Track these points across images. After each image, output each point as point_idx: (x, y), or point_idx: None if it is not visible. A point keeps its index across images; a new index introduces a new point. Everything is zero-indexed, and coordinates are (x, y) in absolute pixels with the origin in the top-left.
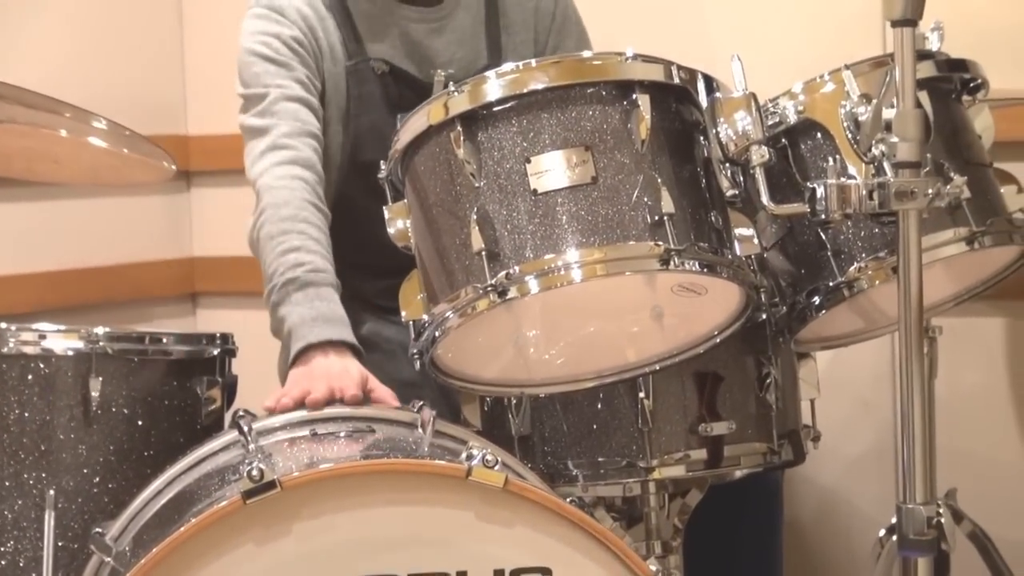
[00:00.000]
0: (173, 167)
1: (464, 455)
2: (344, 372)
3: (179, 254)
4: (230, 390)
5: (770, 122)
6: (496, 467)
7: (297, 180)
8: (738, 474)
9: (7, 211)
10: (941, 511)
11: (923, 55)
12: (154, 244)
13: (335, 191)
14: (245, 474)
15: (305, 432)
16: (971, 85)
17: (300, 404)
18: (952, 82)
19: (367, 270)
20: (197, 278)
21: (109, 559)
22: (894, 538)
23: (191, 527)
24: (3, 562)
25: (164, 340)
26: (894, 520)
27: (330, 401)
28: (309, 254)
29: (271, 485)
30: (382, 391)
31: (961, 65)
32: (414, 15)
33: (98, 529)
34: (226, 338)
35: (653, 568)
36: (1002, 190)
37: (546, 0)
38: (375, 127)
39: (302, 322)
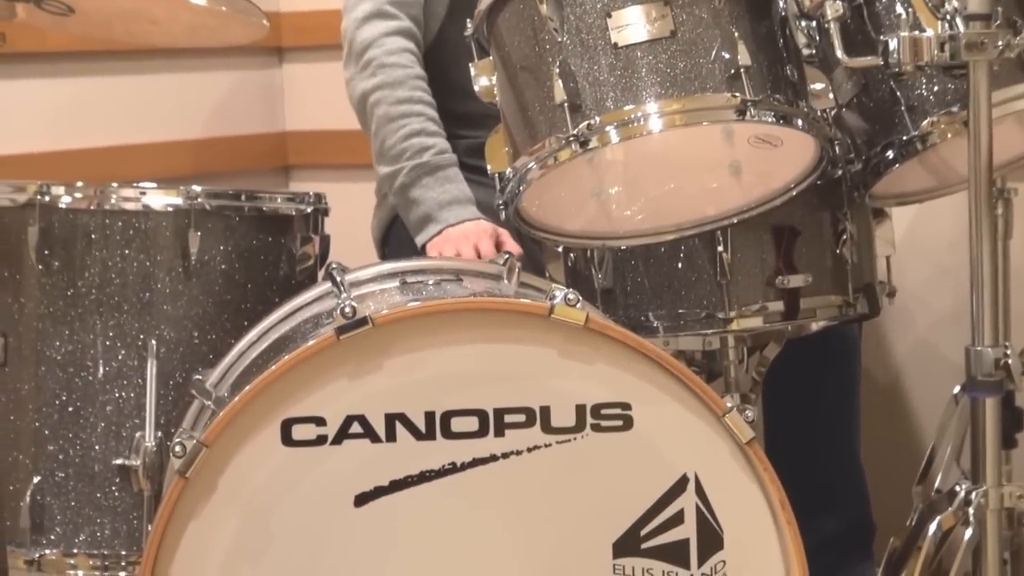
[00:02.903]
0: (266, 24)
1: (547, 296)
2: (478, 228)
3: (272, 128)
4: (323, 249)
5: None
6: (578, 306)
7: (407, 54)
8: (814, 326)
9: (108, 84)
10: (1008, 353)
11: None
12: (248, 118)
13: (438, 31)
14: (339, 311)
15: (395, 283)
16: None
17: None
18: None
19: (463, 120)
20: (290, 151)
21: (209, 403)
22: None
23: (286, 362)
24: (109, 408)
25: (260, 197)
26: None
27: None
28: (432, 137)
29: (363, 322)
30: (512, 244)
31: None
32: None
33: (198, 376)
34: (319, 197)
35: (729, 404)
36: None
37: None
38: None
39: (439, 206)
